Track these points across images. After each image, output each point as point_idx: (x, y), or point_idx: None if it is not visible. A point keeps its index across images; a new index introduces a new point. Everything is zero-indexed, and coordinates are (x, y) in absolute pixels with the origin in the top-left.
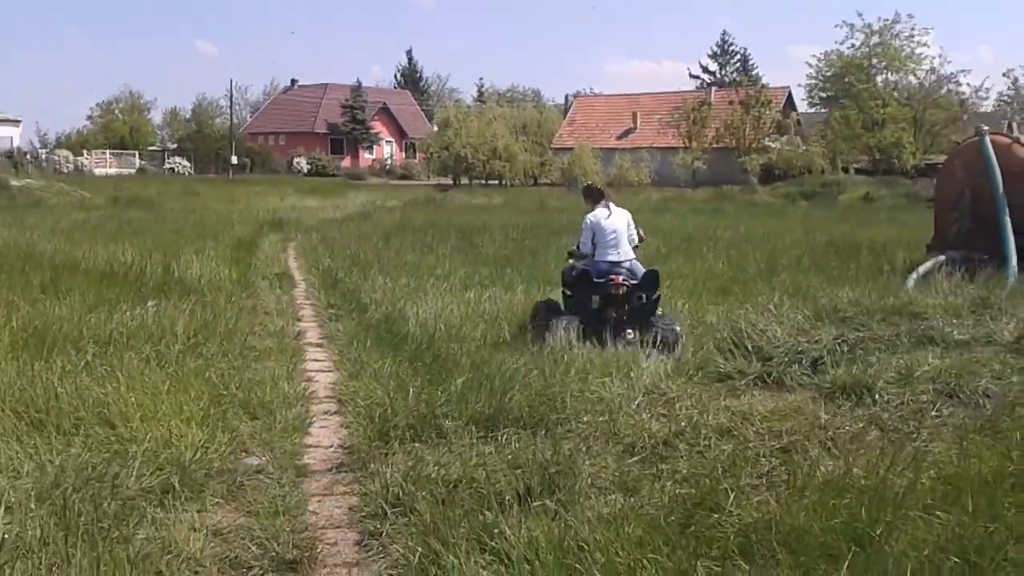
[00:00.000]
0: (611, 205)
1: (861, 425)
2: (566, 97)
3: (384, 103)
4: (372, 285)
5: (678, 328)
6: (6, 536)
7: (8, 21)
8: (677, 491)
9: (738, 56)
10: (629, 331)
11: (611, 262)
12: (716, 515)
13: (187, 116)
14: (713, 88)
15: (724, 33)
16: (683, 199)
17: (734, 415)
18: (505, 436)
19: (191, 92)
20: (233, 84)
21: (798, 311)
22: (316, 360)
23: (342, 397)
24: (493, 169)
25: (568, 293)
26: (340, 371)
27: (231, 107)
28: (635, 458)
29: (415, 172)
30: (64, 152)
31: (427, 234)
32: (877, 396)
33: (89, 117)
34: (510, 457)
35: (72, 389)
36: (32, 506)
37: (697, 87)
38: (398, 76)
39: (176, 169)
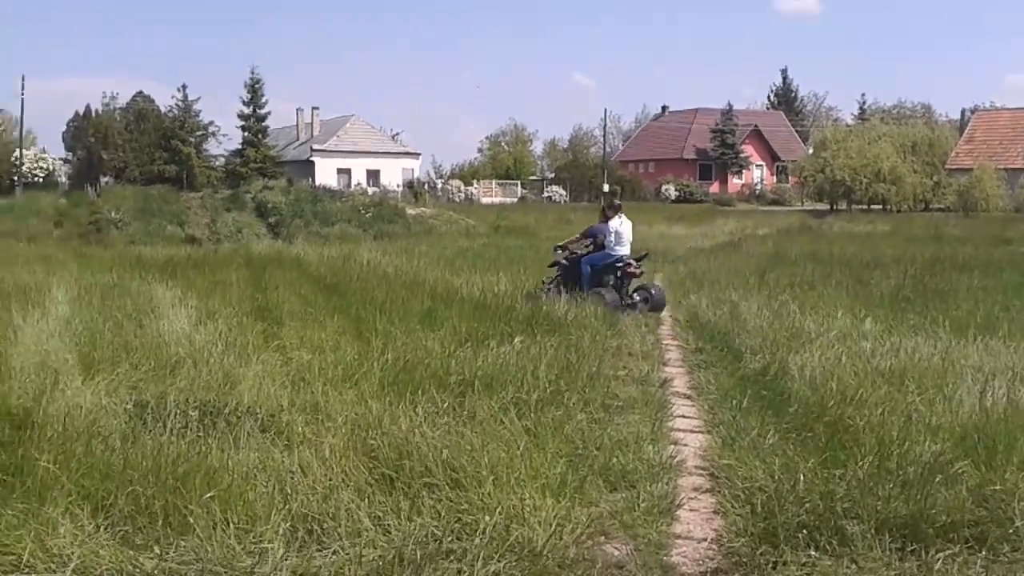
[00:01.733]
0: (623, 216)
1: None
2: (963, 112)
3: (755, 126)
4: (745, 327)
5: (664, 294)
6: None
7: (416, 68)
8: None
9: None
10: (636, 295)
11: (622, 255)
12: None
13: (564, 146)
14: None
15: None
16: None
17: None
18: (932, 554)
19: (568, 123)
20: (607, 114)
21: None
22: (684, 417)
23: (715, 470)
24: (876, 193)
25: (558, 275)
26: (712, 434)
27: (604, 136)
28: None
29: (787, 197)
30: (456, 182)
31: (805, 267)
32: None
33: (479, 150)
34: None
35: (425, 441)
36: None
37: None
38: (771, 97)
39: (553, 197)
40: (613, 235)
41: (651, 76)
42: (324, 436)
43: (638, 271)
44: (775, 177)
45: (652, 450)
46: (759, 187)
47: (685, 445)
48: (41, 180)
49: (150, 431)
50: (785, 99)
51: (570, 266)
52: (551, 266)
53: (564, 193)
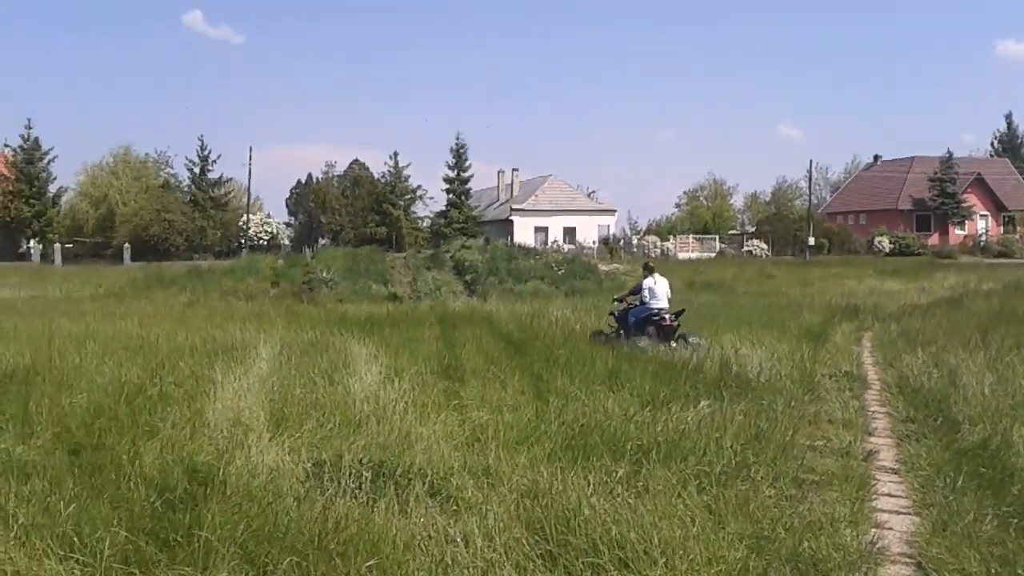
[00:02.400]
0: (657, 275)
1: None
2: None
3: (978, 174)
4: (964, 394)
5: (700, 340)
6: None
7: (614, 125)
8: None
9: None
10: (673, 343)
11: (659, 308)
12: None
13: (766, 199)
14: None
15: None
16: None
17: None
18: None
19: (771, 175)
20: (813, 165)
21: None
22: (889, 495)
23: (923, 560)
24: None
25: (616, 324)
26: (921, 517)
27: (810, 188)
28: None
29: (1015, 249)
30: (652, 238)
31: None
32: None
33: (677, 205)
34: None
35: (594, 514)
36: None
37: None
38: (995, 143)
39: (753, 252)
40: (647, 291)
41: (861, 125)
42: (491, 503)
43: (674, 323)
44: (1001, 228)
45: (850, 534)
46: (983, 239)
47: (889, 529)
48: (266, 243)
49: (323, 492)
50: (1011, 145)
51: (620, 316)
52: (610, 314)
53: (766, 247)
